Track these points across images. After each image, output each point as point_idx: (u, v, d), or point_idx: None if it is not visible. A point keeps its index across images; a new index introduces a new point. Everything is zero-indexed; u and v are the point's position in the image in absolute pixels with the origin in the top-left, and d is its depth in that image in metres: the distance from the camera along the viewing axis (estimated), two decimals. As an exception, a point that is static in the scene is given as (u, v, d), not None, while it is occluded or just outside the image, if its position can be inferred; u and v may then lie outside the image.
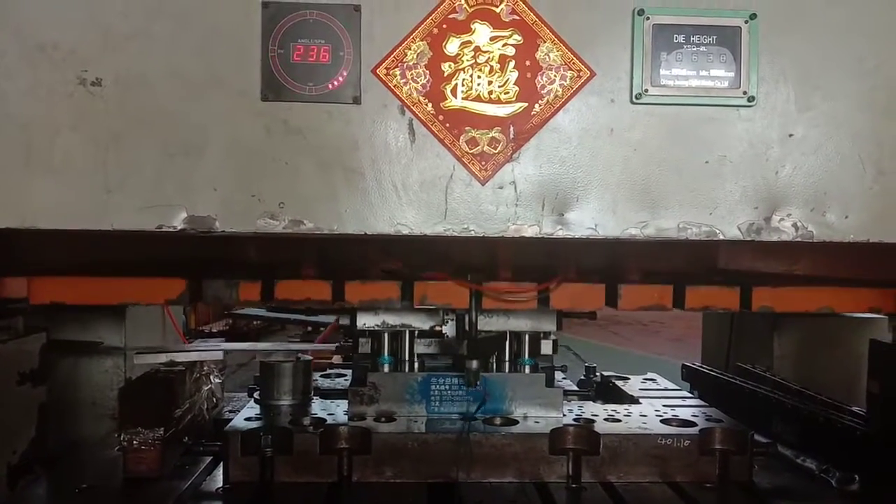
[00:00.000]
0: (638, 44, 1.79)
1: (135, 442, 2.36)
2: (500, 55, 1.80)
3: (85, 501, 2.28)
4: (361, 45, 1.77)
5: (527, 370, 2.68)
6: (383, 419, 2.55)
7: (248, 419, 2.53)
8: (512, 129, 1.81)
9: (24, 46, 1.73)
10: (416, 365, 2.69)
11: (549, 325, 2.66)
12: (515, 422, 2.56)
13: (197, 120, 1.76)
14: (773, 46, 1.81)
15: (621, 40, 1.80)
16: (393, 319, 2.64)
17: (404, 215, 1.81)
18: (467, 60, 1.79)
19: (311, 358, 2.96)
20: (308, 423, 2.51)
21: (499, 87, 1.80)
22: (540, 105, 1.81)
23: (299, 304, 2.48)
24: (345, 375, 3.30)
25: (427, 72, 1.79)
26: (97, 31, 1.74)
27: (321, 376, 3.28)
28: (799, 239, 1.84)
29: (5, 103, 1.73)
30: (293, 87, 1.77)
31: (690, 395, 3.20)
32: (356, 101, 1.78)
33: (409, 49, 1.78)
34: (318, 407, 2.73)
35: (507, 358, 2.70)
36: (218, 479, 2.42)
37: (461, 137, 1.80)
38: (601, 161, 1.82)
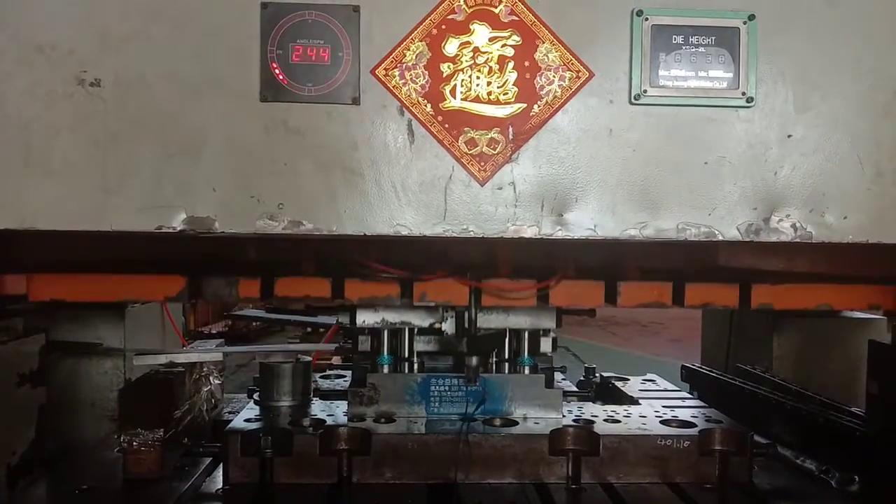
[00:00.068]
0: (637, 44, 1.79)
1: (134, 443, 2.35)
2: (499, 56, 1.80)
3: (84, 502, 2.27)
4: (360, 46, 1.78)
5: (526, 371, 2.68)
6: (383, 420, 2.55)
7: (247, 420, 2.53)
8: (511, 129, 1.81)
9: (23, 47, 1.73)
10: (416, 364, 2.69)
11: (548, 322, 2.66)
12: (515, 423, 2.56)
13: (196, 121, 1.76)
14: (771, 47, 1.82)
15: (620, 41, 1.81)
16: (392, 317, 2.64)
17: (403, 216, 1.81)
18: (466, 61, 1.79)
19: (310, 359, 2.96)
20: (308, 424, 2.51)
21: (498, 87, 1.80)
22: (539, 106, 1.81)
23: (299, 302, 2.47)
24: (344, 376, 3.29)
25: (426, 72, 1.79)
26: (96, 31, 1.74)
27: (321, 377, 3.28)
28: (798, 240, 1.85)
29: (4, 104, 1.74)
30: (292, 88, 1.77)
31: (690, 395, 3.19)
32: (355, 101, 1.78)
33: (409, 50, 1.78)
34: (317, 408, 2.72)
35: (506, 355, 2.69)
36: (217, 480, 2.41)
37: (460, 138, 1.80)
38: (600, 162, 1.83)
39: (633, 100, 1.81)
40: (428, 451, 2.39)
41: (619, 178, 1.83)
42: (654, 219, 1.84)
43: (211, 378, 3.00)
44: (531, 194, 1.82)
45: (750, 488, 2.41)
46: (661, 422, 2.60)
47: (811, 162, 1.84)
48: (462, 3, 1.79)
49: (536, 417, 2.60)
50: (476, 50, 1.80)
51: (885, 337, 2.61)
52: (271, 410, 2.68)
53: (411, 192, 1.81)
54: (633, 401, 2.93)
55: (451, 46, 1.79)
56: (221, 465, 2.42)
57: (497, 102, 1.81)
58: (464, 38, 1.79)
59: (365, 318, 2.62)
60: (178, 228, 1.78)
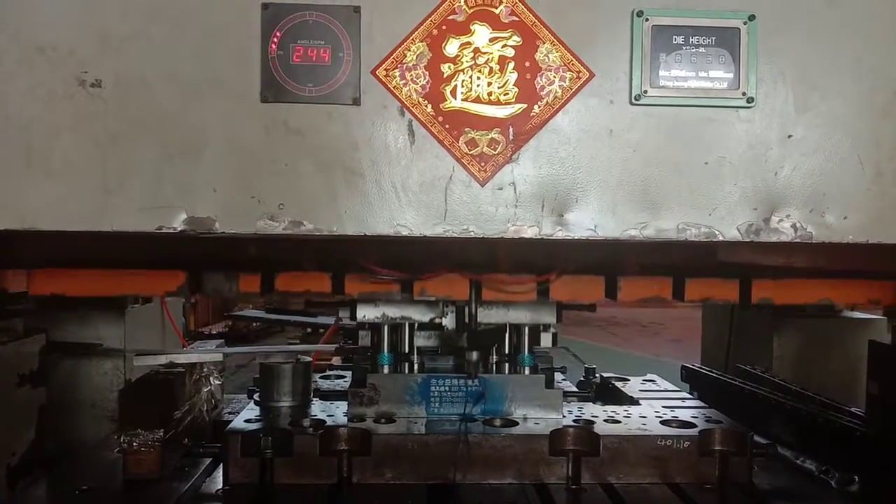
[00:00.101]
0: (637, 45, 1.80)
1: (134, 443, 2.35)
2: (500, 56, 1.80)
3: (84, 503, 2.27)
4: (361, 47, 1.78)
5: (526, 371, 2.68)
6: (383, 420, 2.55)
7: (247, 421, 2.53)
8: (511, 130, 1.81)
9: (24, 48, 1.73)
10: (416, 364, 2.69)
11: (548, 317, 2.66)
12: (515, 423, 2.56)
13: (196, 121, 1.76)
14: (771, 47, 1.82)
15: (620, 41, 1.81)
16: (393, 312, 2.64)
17: (404, 216, 1.81)
18: (467, 61, 1.80)
19: (310, 359, 2.96)
20: (308, 424, 2.51)
21: (498, 88, 1.80)
22: (539, 106, 1.81)
23: (299, 297, 2.47)
24: (344, 377, 3.29)
25: (426, 73, 1.79)
26: (96, 32, 1.74)
27: (321, 378, 3.28)
28: (798, 240, 1.85)
29: (5, 105, 1.74)
30: (293, 89, 1.77)
31: (690, 396, 3.19)
32: (356, 102, 1.78)
33: (409, 50, 1.78)
34: (317, 408, 2.72)
35: (506, 350, 2.69)
36: (218, 480, 2.41)
37: (461, 138, 1.80)
38: (600, 162, 1.83)
39: (633, 100, 1.81)
40: (428, 452, 2.39)
41: (620, 178, 1.83)
42: (655, 219, 1.84)
43: (211, 378, 3.00)
44: (532, 195, 1.82)
45: (750, 488, 2.41)
46: (661, 422, 2.60)
47: (811, 162, 1.84)
48: (462, 3, 1.79)
49: (536, 418, 2.60)
50: (476, 50, 1.80)
51: (885, 337, 2.62)
52: (271, 411, 2.69)
53: (412, 192, 1.81)
54: (634, 401, 2.93)
55: (451, 47, 1.79)
56: (221, 465, 2.42)
57: (497, 103, 1.81)
58: (464, 39, 1.79)
59: (365, 314, 2.62)
60: (179, 229, 1.77)
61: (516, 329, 2.69)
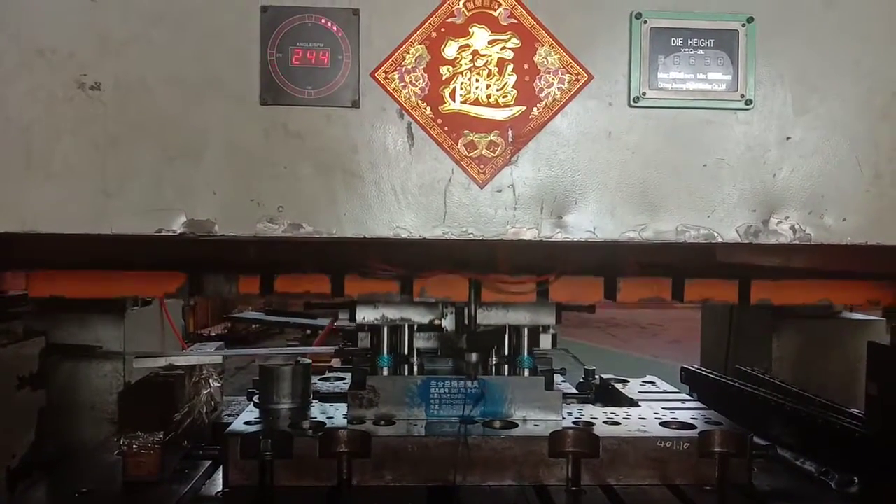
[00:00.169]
0: (636, 47, 1.80)
1: (134, 446, 2.35)
2: (499, 59, 1.80)
3: (84, 505, 2.27)
4: (360, 49, 1.78)
5: (526, 373, 2.68)
6: (383, 422, 2.55)
7: (247, 423, 2.53)
8: (510, 132, 1.81)
9: (24, 51, 1.74)
10: (416, 363, 2.69)
11: (548, 318, 2.66)
12: (515, 425, 2.55)
13: (196, 124, 1.77)
14: (770, 49, 1.82)
15: (619, 44, 1.81)
16: (392, 313, 2.64)
17: (403, 218, 1.81)
18: (466, 64, 1.80)
19: (310, 361, 2.96)
20: (307, 426, 2.51)
21: (497, 90, 1.81)
22: (538, 108, 1.81)
23: (299, 298, 2.47)
24: (344, 379, 3.29)
25: (425, 75, 1.79)
26: (96, 35, 1.74)
27: (320, 380, 3.28)
28: (797, 241, 1.85)
29: (5, 107, 1.74)
30: (292, 91, 1.77)
31: (689, 397, 3.19)
32: (355, 104, 1.79)
33: (408, 53, 1.79)
34: (317, 410, 2.72)
35: (506, 351, 2.69)
36: (217, 482, 2.41)
37: (460, 141, 1.81)
38: (599, 164, 1.83)
39: (632, 102, 1.81)
40: (428, 454, 2.39)
41: (619, 180, 1.83)
42: (654, 221, 1.84)
43: (210, 381, 3.00)
44: (531, 197, 1.83)
45: (749, 490, 2.41)
46: (661, 424, 2.60)
47: (810, 164, 1.85)
48: (461, 6, 1.79)
49: (536, 419, 2.60)
50: (475, 53, 1.80)
51: (884, 338, 2.62)
52: (271, 413, 2.68)
53: (411, 194, 1.81)
54: (633, 403, 2.93)
55: (450, 49, 1.79)
56: (221, 467, 2.42)
57: (496, 105, 1.81)
58: (463, 41, 1.80)
59: (364, 315, 2.62)
60: (178, 231, 1.78)
61: (516, 330, 2.69)
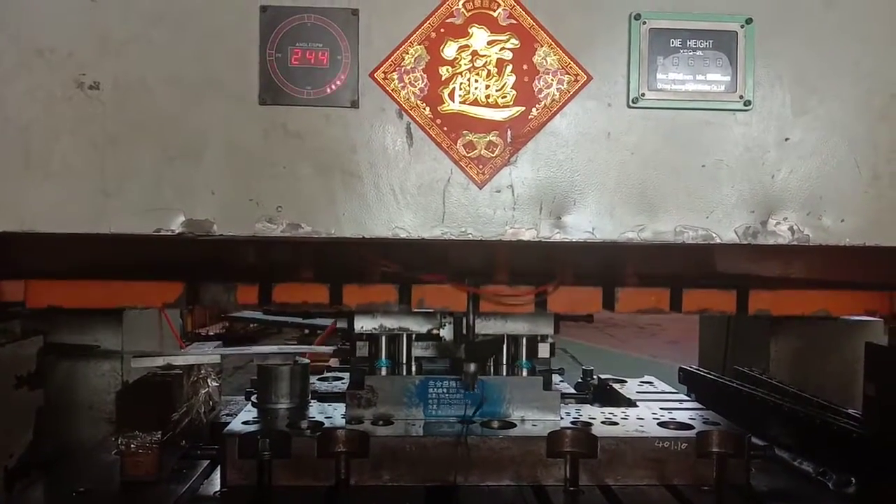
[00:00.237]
0: (635, 48, 1.80)
1: (132, 445, 2.35)
2: (498, 59, 1.80)
3: (82, 505, 2.27)
4: (359, 49, 1.78)
5: (524, 373, 2.68)
6: (381, 422, 2.55)
7: (245, 423, 2.53)
8: (509, 132, 1.82)
9: (22, 51, 1.73)
10: (414, 368, 2.69)
11: (546, 328, 2.66)
12: (513, 425, 2.56)
13: (195, 124, 1.77)
14: (769, 50, 1.82)
15: (618, 44, 1.81)
16: (390, 323, 2.64)
17: (402, 219, 1.81)
18: (465, 64, 1.80)
19: (308, 361, 2.96)
20: (305, 426, 2.51)
21: (496, 90, 1.81)
22: (537, 109, 1.81)
23: (297, 308, 2.48)
24: (342, 379, 3.29)
25: (425, 76, 1.79)
26: (95, 35, 1.74)
27: (318, 379, 3.28)
28: (795, 243, 1.85)
29: (4, 107, 1.74)
30: (291, 91, 1.77)
31: (687, 398, 3.20)
32: (354, 104, 1.78)
33: (407, 53, 1.79)
34: (315, 410, 2.73)
35: (504, 361, 2.70)
36: (215, 482, 2.41)
37: (459, 141, 1.81)
38: (598, 165, 1.83)
39: (631, 103, 1.81)
40: (426, 454, 2.39)
41: (617, 181, 1.83)
42: (652, 221, 1.84)
43: (209, 380, 3.00)
44: (529, 197, 1.83)
45: (747, 490, 2.42)
46: (659, 424, 2.60)
47: (808, 165, 1.85)
48: (461, 6, 1.79)
49: (534, 420, 2.61)
50: (474, 53, 1.80)
51: (881, 339, 2.62)
52: (269, 413, 2.69)
53: (410, 194, 1.81)
54: (631, 403, 2.93)
55: (449, 50, 1.79)
56: (219, 467, 2.42)
57: (495, 105, 1.81)
58: (462, 42, 1.80)
59: (363, 325, 2.62)
60: (177, 231, 1.77)
61: (514, 340, 2.69)
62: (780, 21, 1.82)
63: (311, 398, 2.88)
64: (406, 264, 2.29)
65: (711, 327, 3.93)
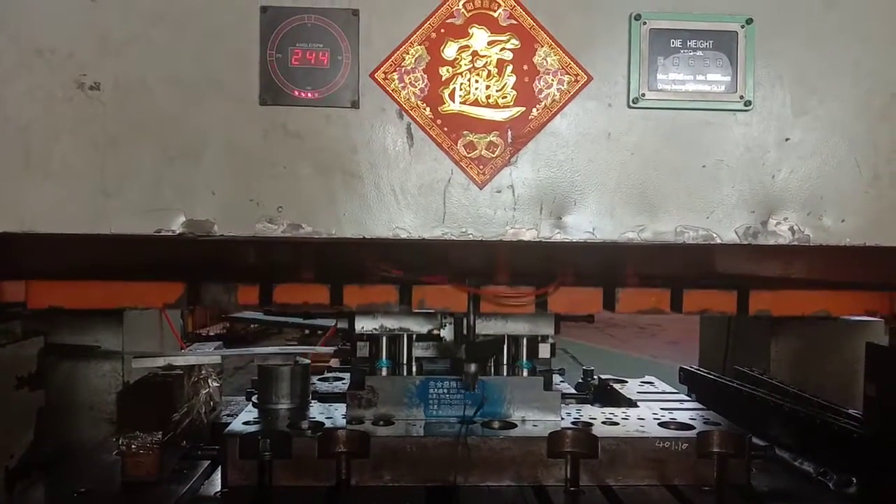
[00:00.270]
0: (635, 48, 1.80)
1: (133, 446, 2.35)
2: (498, 59, 1.80)
3: (82, 506, 2.27)
4: (360, 50, 1.78)
5: (525, 374, 2.68)
6: (381, 423, 2.55)
7: (246, 423, 2.53)
8: (510, 133, 1.82)
9: (22, 51, 1.73)
10: (415, 368, 2.69)
11: (546, 328, 2.67)
12: (514, 425, 2.56)
13: (195, 124, 1.76)
14: (769, 51, 1.82)
15: (618, 45, 1.81)
16: (391, 323, 2.65)
17: (402, 219, 1.81)
18: (465, 65, 1.80)
19: (309, 361, 2.96)
20: (306, 426, 2.51)
21: (496, 91, 1.81)
22: (538, 109, 1.81)
23: (297, 308, 2.48)
24: (343, 379, 3.30)
25: (425, 76, 1.79)
26: (95, 35, 1.74)
27: (319, 380, 3.28)
28: (795, 243, 1.85)
29: (4, 107, 1.74)
30: (291, 92, 1.77)
31: (688, 398, 3.20)
32: (354, 105, 1.78)
33: (408, 53, 1.79)
34: (316, 410, 2.73)
35: (504, 361, 2.70)
36: (216, 483, 2.42)
37: (459, 141, 1.81)
38: (598, 165, 1.83)
39: (631, 103, 1.81)
40: (426, 454, 2.39)
41: (618, 181, 1.83)
42: (653, 222, 1.84)
43: (209, 381, 3.00)
44: (530, 197, 1.83)
45: (748, 490, 2.42)
46: (660, 424, 2.60)
47: (809, 165, 1.85)
48: (461, 7, 1.79)
49: (535, 420, 2.61)
50: (475, 54, 1.80)
51: (882, 339, 2.62)
52: (270, 413, 2.69)
53: (410, 195, 1.81)
54: (632, 403, 2.94)
55: (449, 50, 1.79)
56: (220, 467, 2.42)
57: (496, 106, 1.81)
58: (463, 42, 1.80)
59: (364, 325, 2.62)
60: (178, 231, 1.77)
61: (514, 340, 2.69)
62: (780, 21, 1.82)
63: (312, 398, 2.88)
64: (407, 265, 2.29)
65: (712, 327, 3.93)
